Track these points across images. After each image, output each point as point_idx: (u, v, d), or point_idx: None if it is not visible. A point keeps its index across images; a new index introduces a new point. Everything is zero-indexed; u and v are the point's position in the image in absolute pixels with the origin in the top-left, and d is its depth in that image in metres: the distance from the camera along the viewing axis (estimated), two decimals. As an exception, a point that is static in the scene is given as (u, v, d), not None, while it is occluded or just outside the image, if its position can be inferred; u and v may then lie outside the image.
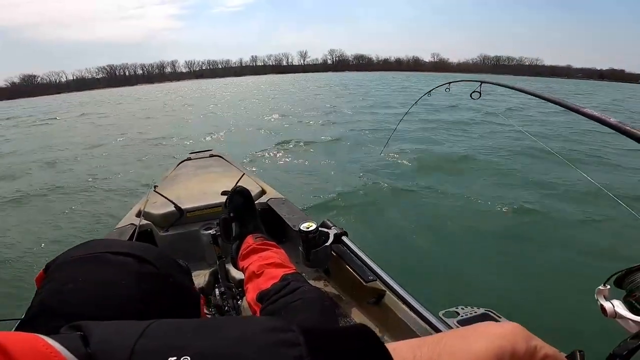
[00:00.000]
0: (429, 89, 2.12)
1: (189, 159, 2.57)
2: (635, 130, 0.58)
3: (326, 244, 1.16)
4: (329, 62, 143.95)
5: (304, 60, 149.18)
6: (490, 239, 2.88)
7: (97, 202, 3.94)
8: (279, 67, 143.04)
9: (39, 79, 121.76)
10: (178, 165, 2.42)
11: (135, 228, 1.38)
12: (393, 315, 1.01)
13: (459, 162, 4.89)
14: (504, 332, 0.24)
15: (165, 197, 1.58)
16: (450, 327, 0.82)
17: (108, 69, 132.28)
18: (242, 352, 0.21)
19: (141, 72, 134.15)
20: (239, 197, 1.08)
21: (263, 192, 1.77)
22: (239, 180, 1.57)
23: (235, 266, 1.00)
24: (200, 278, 1.34)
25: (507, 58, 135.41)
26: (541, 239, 2.84)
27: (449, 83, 1.87)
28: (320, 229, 1.17)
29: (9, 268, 2.62)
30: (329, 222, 1.24)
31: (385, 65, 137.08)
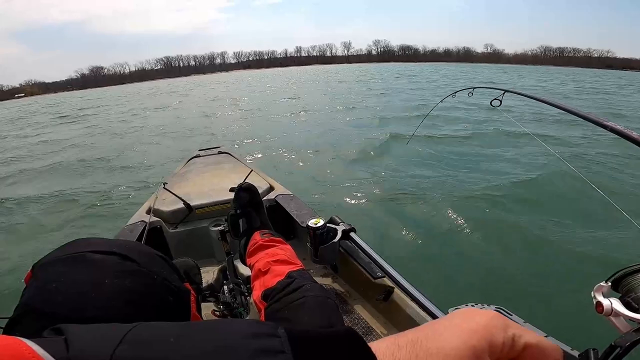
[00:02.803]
0: (454, 91, 2.18)
1: (198, 155, 2.59)
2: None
3: (334, 241, 1.17)
4: (374, 52, 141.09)
5: (347, 51, 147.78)
6: (505, 236, 2.80)
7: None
8: (323, 58, 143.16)
9: (106, 70, 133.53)
10: (187, 162, 2.45)
11: (145, 225, 1.41)
12: (401, 312, 1.00)
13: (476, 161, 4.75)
14: (477, 326, 0.23)
15: (175, 194, 1.60)
16: None
17: (165, 60, 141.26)
18: None
19: (194, 63, 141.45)
20: (244, 193, 1.09)
21: (271, 189, 1.77)
22: (247, 177, 1.58)
23: (244, 262, 1.02)
24: (209, 275, 1.36)
25: (573, 49, 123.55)
26: (555, 236, 2.75)
27: (473, 88, 1.91)
28: (328, 225, 1.17)
29: (15, 265, 2.65)
30: (337, 218, 1.24)
31: (433, 57, 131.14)
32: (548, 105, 1.13)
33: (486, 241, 2.74)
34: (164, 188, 1.66)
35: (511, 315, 0.95)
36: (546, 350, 0.25)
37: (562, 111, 1.00)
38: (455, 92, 2.12)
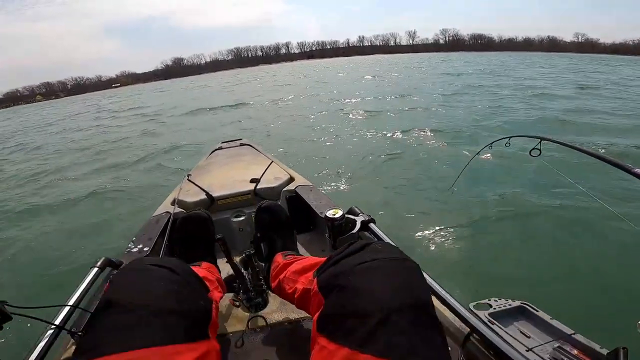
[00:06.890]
0: (491, 141, 2.10)
1: (220, 148, 2.67)
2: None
3: (352, 232, 1.15)
4: (441, 41, 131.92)
5: (412, 40, 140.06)
6: (534, 229, 2.68)
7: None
8: (386, 48, 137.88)
9: (185, 61, 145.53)
10: (210, 154, 2.53)
11: (170, 216, 1.44)
12: None
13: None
14: None
15: (198, 186, 1.65)
16: (480, 320, 0.75)
17: (235, 50, 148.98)
18: None
19: (260, 53, 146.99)
20: (265, 214, 1.06)
21: (291, 180, 1.77)
22: (267, 168, 1.64)
23: (269, 288, 0.99)
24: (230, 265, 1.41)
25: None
26: (581, 228, 2.61)
27: (509, 137, 1.93)
28: (347, 215, 1.17)
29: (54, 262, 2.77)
30: (356, 209, 1.23)
31: (510, 46, 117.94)
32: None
33: (513, 233, 2.63)
34: (188, 180, 1.72)
35: (537, 311, 0.92)
36: None
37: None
38: (492, 143, 2.10)
